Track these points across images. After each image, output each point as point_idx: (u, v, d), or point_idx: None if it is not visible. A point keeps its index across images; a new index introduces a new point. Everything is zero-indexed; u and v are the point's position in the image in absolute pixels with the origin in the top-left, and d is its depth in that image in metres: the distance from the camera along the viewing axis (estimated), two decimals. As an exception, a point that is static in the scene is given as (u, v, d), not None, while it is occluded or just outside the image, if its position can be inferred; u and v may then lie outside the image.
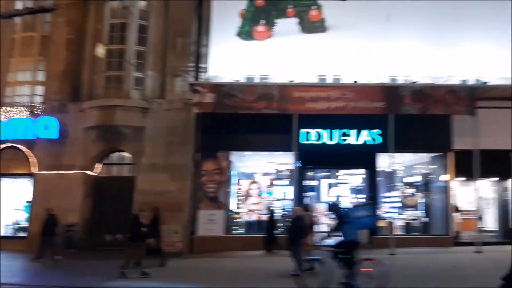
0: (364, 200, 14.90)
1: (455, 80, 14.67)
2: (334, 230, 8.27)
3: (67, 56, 15.79)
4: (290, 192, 14.94)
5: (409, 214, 15.22)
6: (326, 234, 9.15)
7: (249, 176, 16.41)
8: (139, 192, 14.58)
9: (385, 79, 14.86)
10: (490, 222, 15.39)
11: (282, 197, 15.68)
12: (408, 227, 15.01)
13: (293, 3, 15.80)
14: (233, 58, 15.60)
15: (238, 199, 15.92)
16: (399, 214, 14.77)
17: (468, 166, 13.81)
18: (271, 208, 14.81)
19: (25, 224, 15.50)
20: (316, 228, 12.05)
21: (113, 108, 14.72)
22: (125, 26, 15.26)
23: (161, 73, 15.50)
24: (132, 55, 15.15)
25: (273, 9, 15.82)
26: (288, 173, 15.37)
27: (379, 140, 14.48)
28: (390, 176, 15.70)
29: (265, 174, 16.33)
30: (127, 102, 14.90)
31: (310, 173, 15.65)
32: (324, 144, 14.70)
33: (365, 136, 14.59)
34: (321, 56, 15.28)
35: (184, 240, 13.97)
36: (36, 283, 10.36)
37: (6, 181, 15.56)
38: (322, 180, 16.20)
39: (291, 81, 14.64)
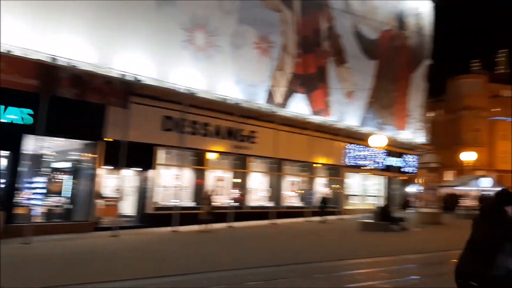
0: None
1: (114, 73, 15.20)
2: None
3: None
4: None
5: (53, 200, 14.67)
6: None
7: None
8: None
9: (44, 57, 13.76)
10: (130, 208, 16.86)
11: None
12: (50, 214, 14.43)
13: None
14: None
15: None
16: (42, 201, 14.01)
17: (116, 156, 14.72)
18: None
19: None
20: None
21: None
22: None
23: None
24: None
25: None
26: None
27: (28, 120, 13.29)
28: (38, 160, 14.66)
29: None
30: None
31: None
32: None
33: (12, 114, 13.07)
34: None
35: None
36: None
37: None
38: None
39: None
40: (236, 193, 20.32)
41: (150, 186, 17.04)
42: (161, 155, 17.58)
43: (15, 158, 13.46)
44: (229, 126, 19.43)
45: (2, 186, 13.09)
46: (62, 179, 15.25)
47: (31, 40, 13.18)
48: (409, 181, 32.50)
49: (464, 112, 50.95)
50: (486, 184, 34.85)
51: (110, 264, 9.26)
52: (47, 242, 12.16)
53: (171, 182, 17.79)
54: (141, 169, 16.98)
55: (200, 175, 19.21)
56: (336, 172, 25.29)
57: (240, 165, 20.50)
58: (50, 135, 13.49)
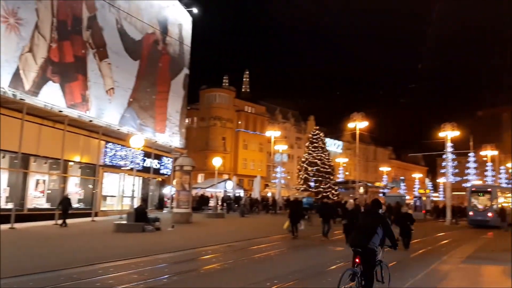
0: None
1: None
2: None
3: None
4: None
5: None
6: None
7: None
8: None
9: None
10: None
11: None
12: None
13: None
14: None
15: None
16: None
17: None
18: None
19: None
20: None
21: None
22: None
23: None
24: None
25: None
26: None
27: None
28: None
29: None
30: None
31: None
32: None
33: None
34: None
35: None
36: None
37: None
38: None
39: None
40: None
41: None
42: None
43: None
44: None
45: None
46: None
47: None
48: (165, 182, 33.51)
49: (215, 121, 56.39)
50: (229, 187, 39.26)
51: None
52: None
53: None
54: None
55: None
56: (92, 172, 23.70)
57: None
58: None
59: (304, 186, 49.92)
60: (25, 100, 18.23)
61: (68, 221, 18.24)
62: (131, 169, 22.77)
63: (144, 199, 28.67)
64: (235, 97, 60.07)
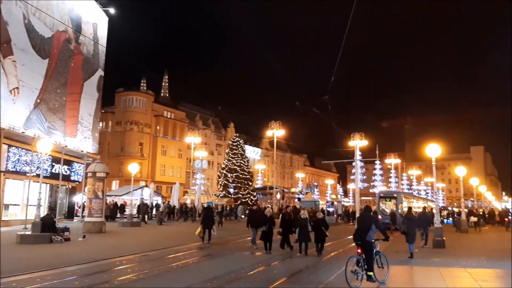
0: None
1: None
2: None
3: None
4: None
5: None
6: None
7: None
8: None
9: None
10: None
11: None
12: None
13: None
14: None
15: None
16: None
17: None
18: None
19: None
20: None
21: None
22: None
23: None
24: None
25: None
26: None
27: None
28: None
29: None
30: None
31: None
32: None
33: None
34: None
35: None
36: None
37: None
38: None
39: None
40: None
41: None
42: None
43: None
44: None
45: None
46: None
47: None
48: (76, 189, 31.51)
49: (131, 126, 54.41)
50: (146, 194, 37.98)
51: None
52: None
53: None
54: None
55: None
56: (-10, 178, 21.56)
57: None
58: None
59: (223, 192, 50.06)
60: None
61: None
62: (37, 175, 21.09)
63: (52, 208, 26.67)
64: (153, 101, 58.59)
